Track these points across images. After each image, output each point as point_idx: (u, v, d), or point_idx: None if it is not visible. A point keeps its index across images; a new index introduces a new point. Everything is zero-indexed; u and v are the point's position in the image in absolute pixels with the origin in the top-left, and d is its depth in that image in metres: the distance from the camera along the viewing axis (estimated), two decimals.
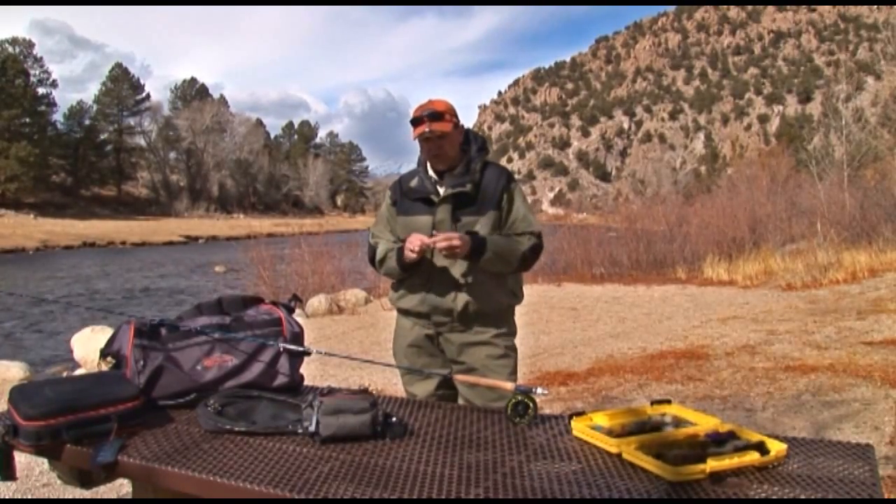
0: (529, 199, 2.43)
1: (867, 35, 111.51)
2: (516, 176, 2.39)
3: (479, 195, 2.18)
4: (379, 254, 2.27)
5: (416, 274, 2.22)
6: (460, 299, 2.15)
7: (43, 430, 1.57)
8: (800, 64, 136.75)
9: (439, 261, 2.16)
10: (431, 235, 2.11)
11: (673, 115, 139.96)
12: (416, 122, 2.15)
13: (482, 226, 2.16)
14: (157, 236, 41.62)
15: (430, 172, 2.25)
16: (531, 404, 1.69)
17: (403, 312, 2.32)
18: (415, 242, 2.06)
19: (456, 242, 2.02)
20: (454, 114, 2.20)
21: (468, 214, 2.16)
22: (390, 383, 5.25)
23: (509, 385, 1.82)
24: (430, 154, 2.20)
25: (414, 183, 2.26)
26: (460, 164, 2.22)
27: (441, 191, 2.20)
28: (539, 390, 1.72)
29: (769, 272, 12.06)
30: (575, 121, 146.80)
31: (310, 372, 2.57)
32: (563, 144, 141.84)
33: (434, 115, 2.13)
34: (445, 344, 2.24)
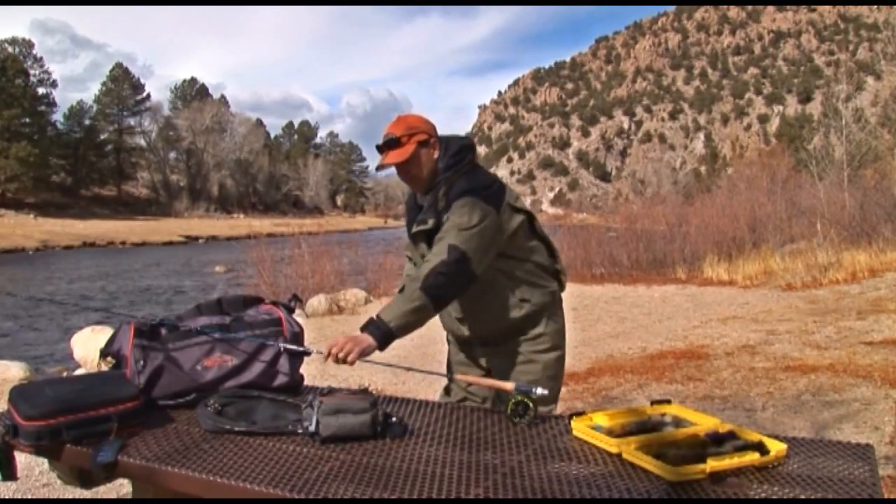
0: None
1: (867, 35, 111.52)
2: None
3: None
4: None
5: None
6: (465, 329, 2.11)
7: (43, 429, 1.57)
8: (800, 64, 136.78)
9: None
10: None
11: (673, 115, 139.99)
12: (379, 151, 2.03)
13: None
14: (157, 236, 41.63)
15: (418, 198, 2.10)
16: (531, 404, 1.69)
17: None
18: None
19: (335, 351, 1.78)
20: (419, 129, 2.00)
21: None
22: (390, 383, 5.25)
23: (509, 385, 1.81)
24: (403, 180, 2.06)
25: (411, 203, 2.17)
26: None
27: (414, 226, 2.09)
28: (538, 391, 1.72)
29: (769, 272, 12.05)
30: (575, 121, 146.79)
31: (310, 372, 2.57)
32: (563, 144, 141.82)
33: (391, 143, 1.98)
34: (480, 356, 2.19)
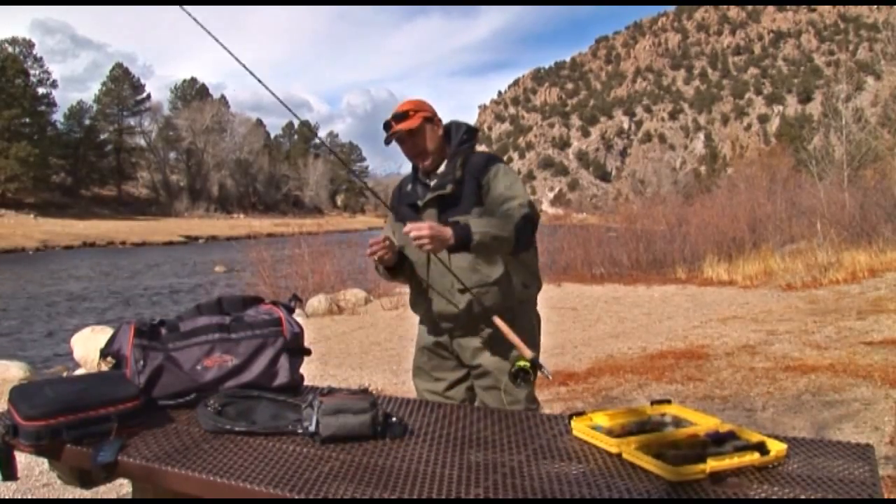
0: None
1: (867, 35, 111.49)
2: None
3: (463, 192, 2.08)
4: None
5: (416, 279, 2.20)
6: (462, 302, 2.08)
7: (43, 429, 1.57)
8: (800, 64, 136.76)
9: (436, 265, 2.09)
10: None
11: (673, 115, 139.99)
12: (386, 127, 2.15)
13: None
14: (157, 236, 41.65)
15: (420, 174, 2.21)
16: (532, 376, 1.83)
17: (420, 318, 2.30)
18: (374, 245, 2.03)
19: (424, 232, 1.81)
20: (425, 108, 2.15)
21: (454, 215, 2.02)
22: (390, 383, 5.26)
23: (528, 352, 1.90)
24: (409, 154, 2.17)
25: (408, 188, 2.24)
26: (444, 161, 2.17)
27: (426, 194, 2.16)
28: (547, 371, 1.88)
29: (769, 272, 12.05)
30: (575, 121, 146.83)
31: (310, 372, 2.57)
32: (563, 144, 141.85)
33: (399, 116, 2.12)
34: (459, 349, 2.20)
